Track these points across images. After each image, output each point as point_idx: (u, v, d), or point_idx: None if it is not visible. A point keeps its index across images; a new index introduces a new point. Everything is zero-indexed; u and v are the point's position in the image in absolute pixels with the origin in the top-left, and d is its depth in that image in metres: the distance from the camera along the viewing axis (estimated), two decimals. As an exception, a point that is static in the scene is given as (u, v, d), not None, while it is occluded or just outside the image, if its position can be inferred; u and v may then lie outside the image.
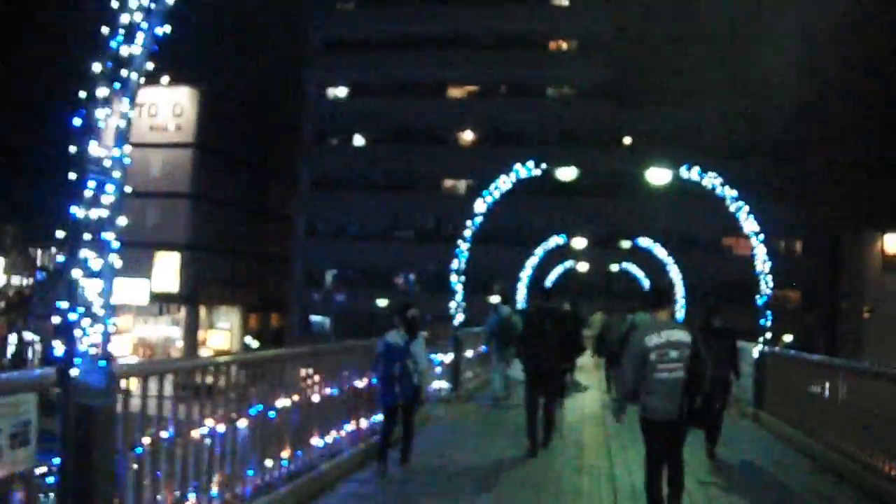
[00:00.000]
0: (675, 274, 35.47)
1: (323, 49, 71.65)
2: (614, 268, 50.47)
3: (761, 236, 17.81)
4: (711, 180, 17.75)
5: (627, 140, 67.19)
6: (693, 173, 17.74)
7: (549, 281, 45.07)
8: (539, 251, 37.04)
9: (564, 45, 70.40)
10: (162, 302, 68.13)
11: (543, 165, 18.31)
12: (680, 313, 35.18)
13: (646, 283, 46.72)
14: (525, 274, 37.02)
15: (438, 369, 17.49)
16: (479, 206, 18.59)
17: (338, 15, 72.35)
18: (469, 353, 20.48)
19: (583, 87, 67.42)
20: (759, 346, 17.91)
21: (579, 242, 38.94)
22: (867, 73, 60.87)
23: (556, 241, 37.16)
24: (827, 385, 13.84)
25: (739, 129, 61.29)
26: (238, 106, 71.07)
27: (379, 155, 69.10)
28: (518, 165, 18.52)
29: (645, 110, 63.78)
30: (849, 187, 62.47)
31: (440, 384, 17.85)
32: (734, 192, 17.73)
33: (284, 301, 72.81)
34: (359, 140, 72.07)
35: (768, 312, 17.81)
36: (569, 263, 46.79)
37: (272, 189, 76.84)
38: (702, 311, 14.00)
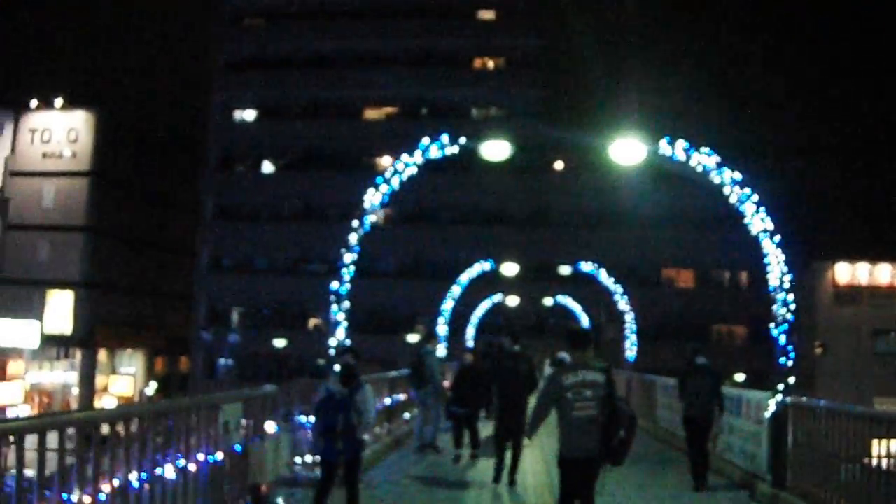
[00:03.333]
0: (623, 305, 30.01)
1: (228, 69, 65.63)
2: (548, 302, 45.10)
3: (777, 237, 12.27)
4: (703, 159, 12.19)
5: (559, 165, 62.29)
6: (677, 149, 12.15)
7: (476, 317, 39.87)
8: (463, 279, 31.30)
9: (491, 64, 65.27)
10: (56, 345, 62.02)
11: (463, 140, 12.74)
12: (631, 352, 29.83)
13: (584, 319, 41.68)
14: (447, 307, 31.27)
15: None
16: (374, 196, 12.99)
17: (244, 32, 66.59)
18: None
19: (511, 107, 62.36)
20: (776, 397, 12.36)
21: (509, 269, 33.36)
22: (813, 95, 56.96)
23: (481, 267, 31.48)
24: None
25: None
26: (138, 131, 65.39)
27: (289, 182, 63.24)
28: (426, 140, 12.89)
29: (579, 132, 58.99)
30: (798, 215, 58.59)
31: (307, 458, 12.14)
32: (737, 175, 12.19)
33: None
34: (267, 166, 66.09)
35: (789, 348, 12.26)
36: (497, 297, 41.37)
37: (175, 220, 70.56)
38: (686, 351, 14.39)
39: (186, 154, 67.87)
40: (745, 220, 12.42)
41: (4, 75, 74.68)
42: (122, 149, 63.81)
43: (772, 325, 12.49)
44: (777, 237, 12.20)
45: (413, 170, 13.13)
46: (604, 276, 31.20)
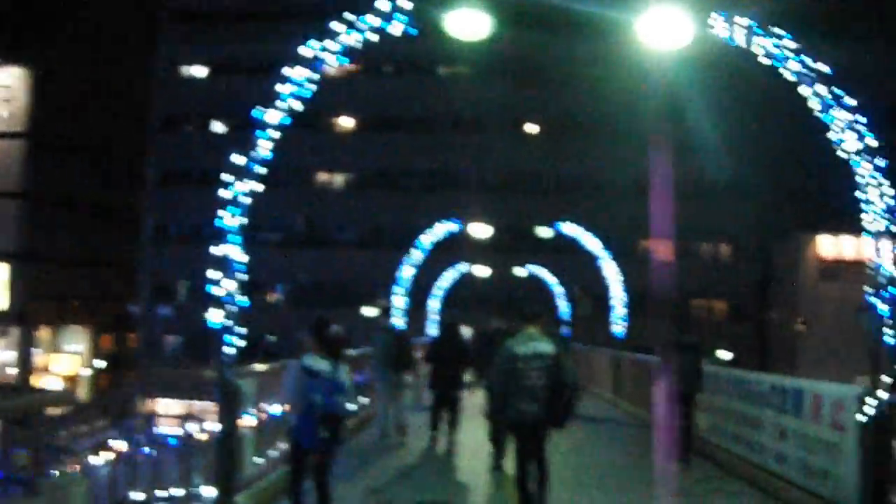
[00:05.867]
0: (612, 272, 26.17)
1: (176, 19, 60.85)
2: (520, 273, 41.38)
3: (882, 161, 8.30)
4: (775, 44, 8.20)
5: (534, 128, 58.43)
6: (736, 30, 8.17)
7: (441, 288, 36.07)
8: (426, 242, 27.22)
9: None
10: (-9, 321, 57.93)
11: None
12: (618, 327, 26.09)
13: (560, 292, 38.00)
14: (406, 274, 27.24)
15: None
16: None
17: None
18: (274, 409, 10.28)
19: (481, 65, 58.27)
20: (873, 395, 8.44)
21: (479, 230, 29.39)
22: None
23: (447, 228, 27.45)
24: None
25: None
26: (79, 89, 60.64)
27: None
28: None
29: (555, 91, 55.33)
30: (781, 185, 55.39)
31: (172, 490, 8.06)
32: (824, 67, 8.21)
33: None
34: (218, 127, 61.39)
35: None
36: (465, 267, 37.52)
37: (119, 186, 65.88)
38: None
39: (131, 114, 63.32)
40: (834, 136, 8.44)
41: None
42: (61, 108, 59.30)
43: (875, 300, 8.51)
44: (883, 161, 8.23)
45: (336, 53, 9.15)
46: (587, 242, 27.35)
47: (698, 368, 13.94)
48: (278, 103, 9.32)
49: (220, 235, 9.01)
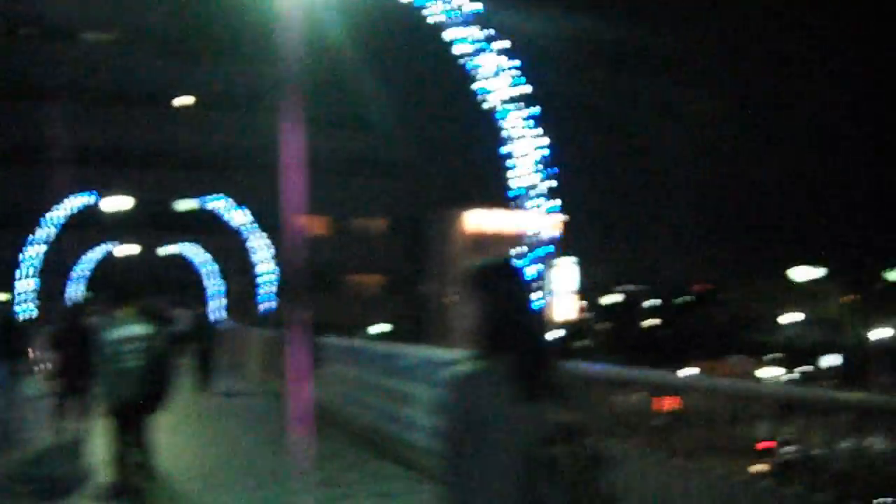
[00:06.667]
0: (262, 249, 25.14)
1: None
2: (166, 251, 39.47)
3: (534, 108, 7.67)
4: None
5: (183, 100, 56.17)
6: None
7: (83, 270, 33.55)
8: (56, 217, 24.80)
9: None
10: None
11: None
12: (267, 304, 25.21)
13: (211, 270, 36.58)
14: (34, 252, 24.73)
15: None
16: None
17: None
18: None
19: (128, 33, 55.12)
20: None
21: (119, 204, 27.29)
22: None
23: (80, 202, 25.16)
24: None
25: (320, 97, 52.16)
26: None
27: None
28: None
29: (210, 66, 53.32)
30: (433, 158, 56.77)
31: None
32: (475, 6, 7.46)
33: None
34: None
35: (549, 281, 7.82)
36: (112, 247, 35.19)
37: None
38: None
39: None
40: (482, 86, 7.74)
41: None
42: None
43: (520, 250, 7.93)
44: (534, 108, 7.61)
45: None
46: (236, 218, 26.08)
47: (315, 343, 14.10)
48: None
49: None
